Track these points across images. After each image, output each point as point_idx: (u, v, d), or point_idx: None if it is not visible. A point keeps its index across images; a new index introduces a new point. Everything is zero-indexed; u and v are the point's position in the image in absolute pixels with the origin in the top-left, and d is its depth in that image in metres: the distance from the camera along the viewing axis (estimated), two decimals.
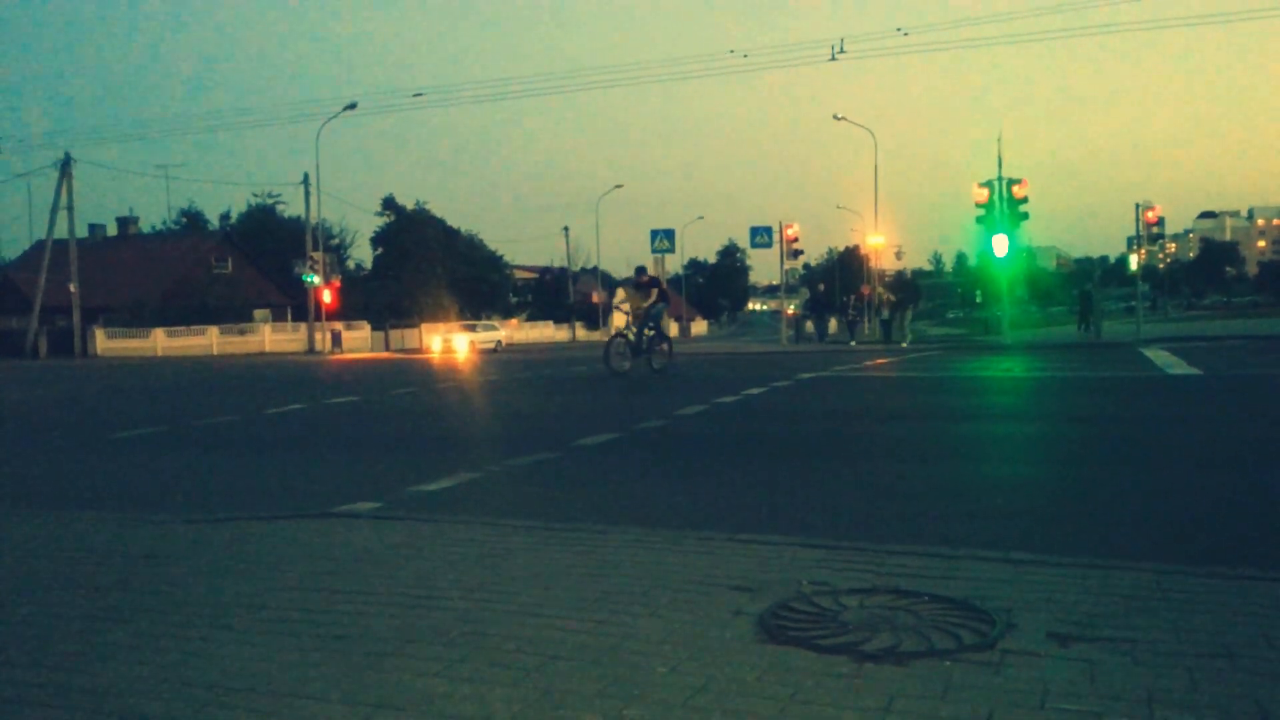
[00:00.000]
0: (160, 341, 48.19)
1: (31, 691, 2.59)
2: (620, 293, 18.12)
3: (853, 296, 38.84)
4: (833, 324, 36.00)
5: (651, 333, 17.33)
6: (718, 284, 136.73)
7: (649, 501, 5.65)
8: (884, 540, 4.23)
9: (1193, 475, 6.26)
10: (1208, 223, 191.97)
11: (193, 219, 71.04)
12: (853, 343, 31.55)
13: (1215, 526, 4.78)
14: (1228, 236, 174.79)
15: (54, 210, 46.48)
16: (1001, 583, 3.38)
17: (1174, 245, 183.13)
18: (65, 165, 45.78)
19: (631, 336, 17.13)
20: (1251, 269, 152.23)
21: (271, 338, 52.04)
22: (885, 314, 34.78)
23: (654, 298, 17.53)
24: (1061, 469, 6.79)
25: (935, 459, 7.35)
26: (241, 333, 51.69)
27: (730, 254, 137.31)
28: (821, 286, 32.50)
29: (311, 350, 47.70)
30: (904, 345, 29.27)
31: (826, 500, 5.63)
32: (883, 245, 55.24)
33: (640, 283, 17.68)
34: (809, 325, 34.61)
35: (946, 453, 7.72)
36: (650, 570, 3.65)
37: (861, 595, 3.27)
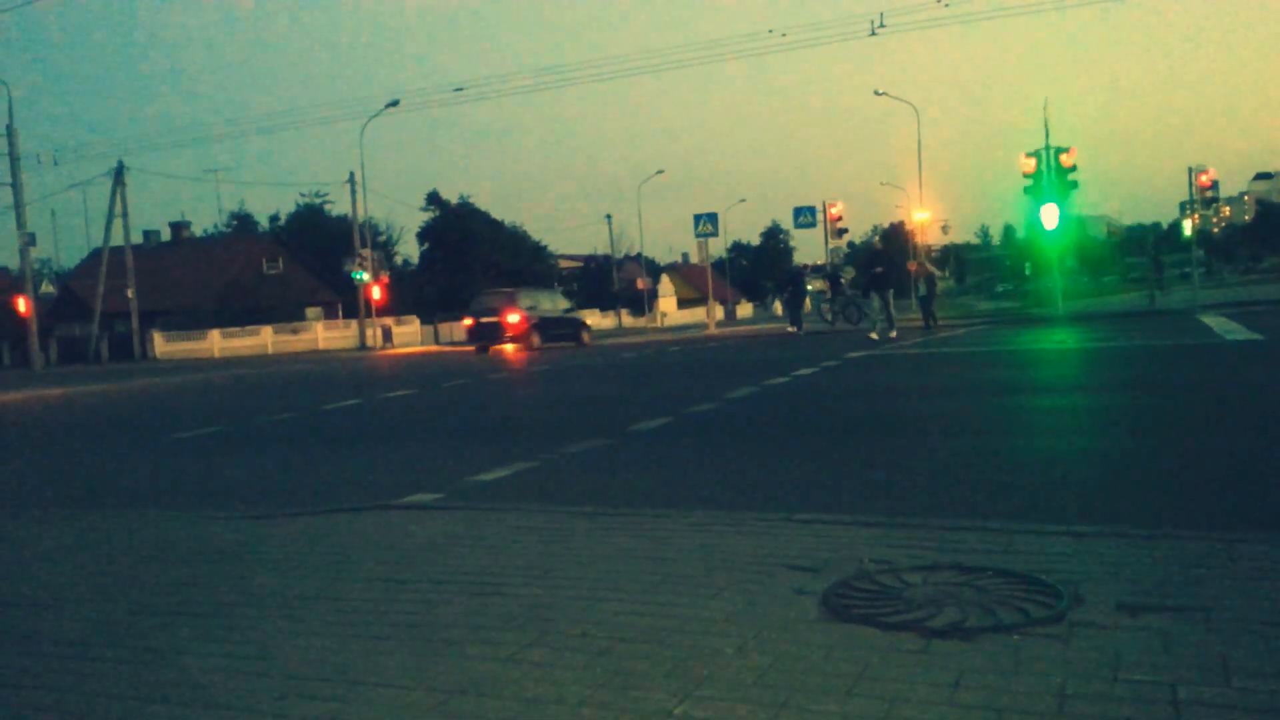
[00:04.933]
0: (217, 343, 49.08)
1: (116, 685, 2.68)
2: (815, 283, 31.13)
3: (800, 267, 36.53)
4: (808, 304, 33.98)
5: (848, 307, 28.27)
6: (762, 266, 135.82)
7: (706, 484, 5.66)
8: (943, 516, 4.21)
9: (1257, 441, 6.14)
10: (1263, 184, 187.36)
11: (243, 221, 72.16)
12: (792, 328, 28.45)
13: None
14: None
15: (109, 218, 47.52)
16: (1066, 556, 3.36)
17: (1229, 209, 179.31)
18: (119, 173, 46.72)
19: (826, 310, 29.50)
20: None
21: (324, 335, 52.75)
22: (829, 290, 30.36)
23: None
24: (1122, 439, 6.69)
25: (993, 433, 7.28)
26: (295, 331, 52.47)
27: (773, 235, 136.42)
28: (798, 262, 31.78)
29: (363, 346, 48.29)
30: (873, 336, 21.38)
31: (882, 477, 5.61)
32: (928, 220, 54.60)
33: (827, 273, 30.29)
34: (777, 307, 33.55)
35: (1005, 427, 7.65)
36: (711, 552, 3.66)
37: (924, 572, 3.27)
